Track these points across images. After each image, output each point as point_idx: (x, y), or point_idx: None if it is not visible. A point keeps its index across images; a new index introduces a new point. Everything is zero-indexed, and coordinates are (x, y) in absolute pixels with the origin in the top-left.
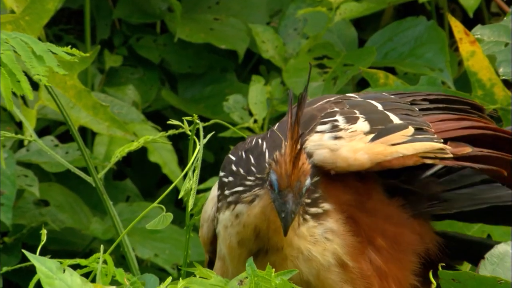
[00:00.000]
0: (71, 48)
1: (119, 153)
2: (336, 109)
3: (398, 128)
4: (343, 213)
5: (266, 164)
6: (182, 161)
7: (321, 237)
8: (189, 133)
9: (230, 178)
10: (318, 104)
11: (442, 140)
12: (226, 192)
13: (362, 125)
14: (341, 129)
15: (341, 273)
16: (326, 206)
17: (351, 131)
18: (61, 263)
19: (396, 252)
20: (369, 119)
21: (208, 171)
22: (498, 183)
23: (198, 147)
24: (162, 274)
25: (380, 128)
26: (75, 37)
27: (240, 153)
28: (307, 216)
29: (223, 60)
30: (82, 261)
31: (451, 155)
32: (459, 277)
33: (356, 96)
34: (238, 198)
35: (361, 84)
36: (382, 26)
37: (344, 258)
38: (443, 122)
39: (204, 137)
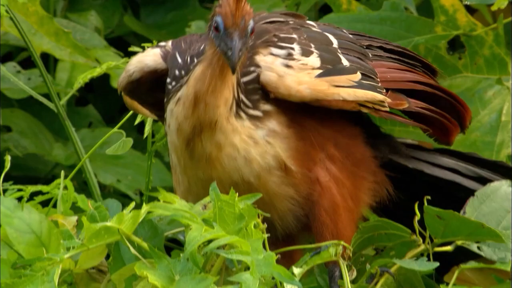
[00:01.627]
0: None
1: (81, 79)
2: (294, 36)
3: (347, 71)
4: (287, 116)
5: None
6: None
7: (262, 140)
8: None
9: (173, 83)
10: (273, 19)
11: (384, 90)
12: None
13: (314, 60)
14: (294, 59)
15: (283, 176)
16: (267, 107)
17: (302, 63)
18: (23, 190)
19: (350, 164)
20: (321, 57)
21: None
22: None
23: None
24: (124, 199)
25: (329, 68)
26: None
27: (186, 57)
28: (243, 115)
29: None
30: (44, 188)
31: (387, 108)
32: (444, 215)
33: (315, 25)
34: (178, 88)
35: (324, 10)
36: None
37: (287, 162)
38: (389, 70)
39: None
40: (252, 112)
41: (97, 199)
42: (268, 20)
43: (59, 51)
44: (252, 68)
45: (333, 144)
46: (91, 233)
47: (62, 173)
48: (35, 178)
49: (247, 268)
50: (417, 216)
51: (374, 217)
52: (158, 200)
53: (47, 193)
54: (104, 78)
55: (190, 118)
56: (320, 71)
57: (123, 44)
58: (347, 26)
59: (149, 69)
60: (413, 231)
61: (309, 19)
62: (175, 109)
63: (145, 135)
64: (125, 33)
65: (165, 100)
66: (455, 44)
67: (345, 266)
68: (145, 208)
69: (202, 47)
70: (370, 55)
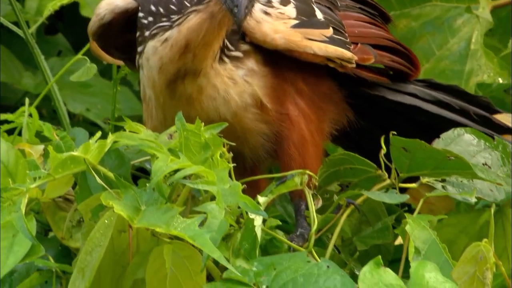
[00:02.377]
0: None
1: (51, 7)
2: None
3: (321, 25)
4: (264, 55)
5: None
6: None
7: (241, 80)
8: None
9: (150, 19)
10: None
11: (352, 46)
12: (146, 33)
13: (291, 10)
14: (273, 7)
15: (258, 113)
16: (246, 47)
17: (280, 12)
18: None
19: (317, 99)
20: (297, 8)
21: None
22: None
23: None
24: (94, 128)
25: (304, 19)
26: None
27: None
28: (226, 59)
29: None
30: (10, 116)
31: (354, 65)
32: (409, 146)
33: None
34: (167, 28)
35: None
36: None
37: (263, 100)
38: (356, 23)
39: None
40: (233, 53)
41: (66, 128)
42: None
43: None
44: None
45: (302, 79)
46: (57, 163)
47: (27, 100)
48: (5, 106)
49: (213, 198)
50: (383, 150)
51: (340, 150)
52: (124, 130)
53: (13, 122)
54: (74, 6)
55: (176, 63)
56: (296, 21)
57: None
58: None
59: (120, 10)
60: (380, 165)
61: None
62: (160, 48)
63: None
64: None
65: (138, 34)
66: None
67: (311, 195)
68: (111, 137)
69: None
70: (339, 4)
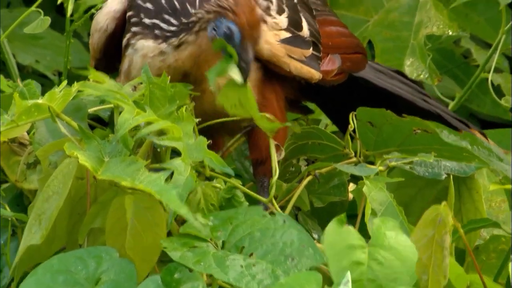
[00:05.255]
0: None
1: None
2: None
3: (304, 44)
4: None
5: (193, 11)
6: None
7: None
8: None
9: (149, 5)
10: None
11: (321, 61)
12: (146, 20)
13: (284, 20)
14: (270, 15)
15: None
16: None
17: (275, 22)
18: None
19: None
20: (289, 17)
21: None
22: None
23: None
24: (43, 80)
25: (292, 34)
26: None
27: None
28: None
29: None
30: None
31: (316, 80)
32: (376, 119)
33: None
34: (164, 37)
35: None
36: None
37: (252, 91)
38: (330, 31)
39: None
40: None
41: (15, 80)
42: None
43: None
44: None
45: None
46: (21, 110)
47: None
48: None
49: (174, 150)
50: (351, 126)
51: (305, 119)
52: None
53: None
54: None
55: (177, 78)
56: (285, 34)
57: None
58: None
59: (120, 13)
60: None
61: None
62: (158, 59)
63: (67, 16)
64: None
65: (132, 13)
66: None
67: (274, 146)
68: (75, 86)
69: None
70: (313, 11)
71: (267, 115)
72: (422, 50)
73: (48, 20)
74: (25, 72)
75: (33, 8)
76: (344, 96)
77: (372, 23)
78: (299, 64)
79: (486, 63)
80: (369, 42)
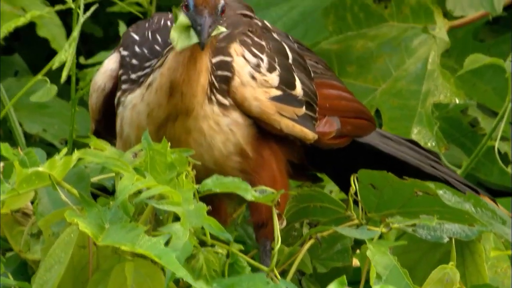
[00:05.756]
0: None
1: (6, 28)
2: (263, 43)
3: (296, 103)
4: None
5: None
6: None
7: (226, 128)
8: (72, 6)
9: (134, 61)
10: (241, 13)
11: (317, 122)
12: (133, 76)
13: (274, 78)
14: (260, 72)
15: (239, 161)
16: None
17: (265, 79)
18: None
19: (286, 141)
20: (281, 76)
21: (97, 45)
22: None
23: (79, 20)
24: (50, 149)
25: (284, 93)
26: None
27: (146, 33)
28: (214, 99)
29: None
30: None
31: (311, 141)
32: (377, 181)
33: (271, 28)
34: (148, 75)
35: None
36: None
37: (246, 149)
38: (328, 93)
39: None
40: (221, 99)
41: (22, 148)
42: (239, 11)
43: None
44: (226, 58)
45: None
46: (22, 178)
47: None
48: None
49: (176, 216)
50: (352, 188)
51: (308, 185)
52: (87, 148)
53: None
54: (31, 26)
55: (166, 107)
56: (276, 92)
57: None
58: None
59: (116, 72)
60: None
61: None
62: (146, 94)
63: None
64: None
65: (121, 72)
66: None
67: (276, 215)
68: (76, 154)
69: (163, 21)
70: (312, 73)
71: (263, 187)
72: (429, 118)
73: (54, 88)
74: (32, 141)
75: (39, 76)
76: (349, 160)
77: (380, 91)
78: (290, 123)
79: (493, 132)
80: (377, 111)
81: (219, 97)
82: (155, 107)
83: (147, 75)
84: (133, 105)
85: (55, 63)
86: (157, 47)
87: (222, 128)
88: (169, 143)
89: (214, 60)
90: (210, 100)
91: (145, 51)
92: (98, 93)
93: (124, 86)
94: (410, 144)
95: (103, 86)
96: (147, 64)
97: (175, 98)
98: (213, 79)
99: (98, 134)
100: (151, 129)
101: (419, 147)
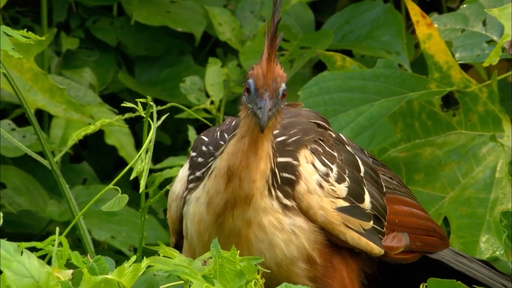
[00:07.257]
0: (27, 31)
1: (75, 136)
2: (335, 154)
3: (364, 216)
4: None
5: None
6: (139, 144)
7: (288, 228)
8: (143, 115)
9: (200, 159)
10: (314, 122)
11: (385, 237)
12: (198, 173)
13: (343, 189)
14: (328, 181)
15: (307, 269)
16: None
17: (333, 189)
18: (17, 245)
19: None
20: (350, 188)
21: (165, 152)
22: None
23: (152, 129)
24: (119, 256)
25: (351, 204)
26: (31, 19)
27: (215, 134)
28: (273, 193)
29: (180, 43)
30: (38, 244)
31: (378, 255)
32: None
33: (345, 140)
34: (211, 166)
35: (318, 67)
36: (339, 9)
37: (312, 254)
38: (400, 209)
39: (159, 119)
40: (283, 198)
41: (91, 256)
42: (313, 120)
43: (54, 108)
44: (292, 161)
45: None
46: (90, 285)
47: (57, 229)
48: (30, 235)
49: None
50: None
51: None
52: (156, 255)
53: (41, 249)
54: (99, 134)
55: (224, 193)
56: (343, 202)
57: (117, 101)
58: (341, 83)
59: (182, 190)
60: None
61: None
62: (207, 183)
63: (142, 191)
64: (120, 89)
65: (189, 172)
66: (449, 101)
67: None
68: (145, 262)
69: (234, 122)
70: (384, 187)
71: None
72: (497, 226)
73: (125, 198)
74: (101, 248)
75: (110, 186)
76: (419, 274)
77: (448, 199)
78: (356, 235)
79: None
80: (445, 219)
81: (280, 195)
82: (213, 194)
83: (209, 168)
84: (196, 199)
85: (133, 174)
86: (221, 143)
87: (284, 226)
88: (229, 238)
89: (279, 160)
90: (270, 192)
91: (211, 148)
92: (177, 202)
93: (190, 185)
94: (482, 264)
95: (181, 193)
96: (211, 159)
97: (233, 183)
98: (277, 171)
99: (178, 248)
100: (210, 219)
101: (491, 267)
